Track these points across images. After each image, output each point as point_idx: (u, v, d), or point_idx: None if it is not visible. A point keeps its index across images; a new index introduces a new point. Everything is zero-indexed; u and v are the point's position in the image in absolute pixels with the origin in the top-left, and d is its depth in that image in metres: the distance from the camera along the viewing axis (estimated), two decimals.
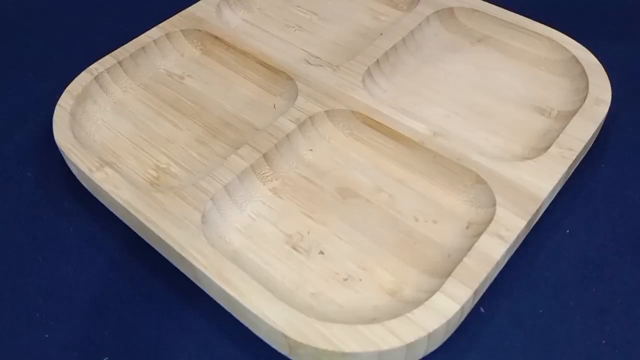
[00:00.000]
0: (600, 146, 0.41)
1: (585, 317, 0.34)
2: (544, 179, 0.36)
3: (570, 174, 0.39)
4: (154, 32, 0.49)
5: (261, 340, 0.33)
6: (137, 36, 0.48)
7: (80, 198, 0.41)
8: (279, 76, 0.46)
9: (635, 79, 0.47)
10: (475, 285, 0.31)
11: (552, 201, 0.38)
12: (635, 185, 0.40)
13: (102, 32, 0.55)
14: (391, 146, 0.41)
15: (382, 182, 0.39)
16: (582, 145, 0.38)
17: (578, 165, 0.40)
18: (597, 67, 0.43)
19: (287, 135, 0.40)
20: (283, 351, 0.32)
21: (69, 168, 0.41)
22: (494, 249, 0.33)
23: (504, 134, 0.42)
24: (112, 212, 0.39)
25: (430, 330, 0.30)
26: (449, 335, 0.32)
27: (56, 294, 0.36)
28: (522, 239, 0.36)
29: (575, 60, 0.44)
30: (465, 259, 0.32)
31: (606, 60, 0.44)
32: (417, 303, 0.31)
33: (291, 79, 0.45)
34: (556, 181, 0.36)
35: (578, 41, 0.45)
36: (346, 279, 0.34)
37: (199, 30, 0.49)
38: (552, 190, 0.36)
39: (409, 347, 0.29)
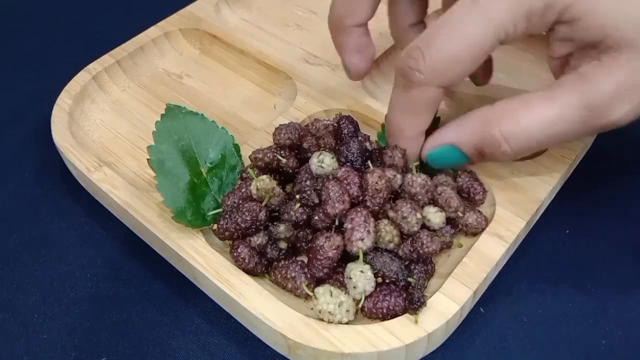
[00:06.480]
0: (600, 146, 0.41)
1: (585, 317, 0.34)
2: (543, 179, 0.36)
3: (570, 173, 0.39)
4: (153, 31, 0.49)
5: (260, 341, 0.33)
6: (135, 35, 0.48)
7: (79, 198, 0.41)
8: (277, 75, 0.46)
9: None
10: (475, 286, 0.31)
11: (552, 201, 0.38)
12: (634, 185, 0.40)
13: (101, 31, 0.55)
14: None
15: None
16: (582, 144, 0.38)
17: (578, 165, 0.40)
18: None
19: None
20: (282, 351, 0.32)
21: (67, 168, 0.41)
22: (494, 249, 0.33)
23: None
24: (110, 212, 0.39)
25: (430, 330, 0.29)
26: (448, 335, 0.32)
27: (54, 293, 0.36)
28: (522, 239, 0.36)
29: None
30: (464, 259, 0.32)
31: None
32: None
33: (290, 78, 0.44)
34: (556, 181, 0.36)
35: None
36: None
37: (198, 29, 0.49)
38: (552, 190, 0.36)
39: (409, 347, 0.29)
